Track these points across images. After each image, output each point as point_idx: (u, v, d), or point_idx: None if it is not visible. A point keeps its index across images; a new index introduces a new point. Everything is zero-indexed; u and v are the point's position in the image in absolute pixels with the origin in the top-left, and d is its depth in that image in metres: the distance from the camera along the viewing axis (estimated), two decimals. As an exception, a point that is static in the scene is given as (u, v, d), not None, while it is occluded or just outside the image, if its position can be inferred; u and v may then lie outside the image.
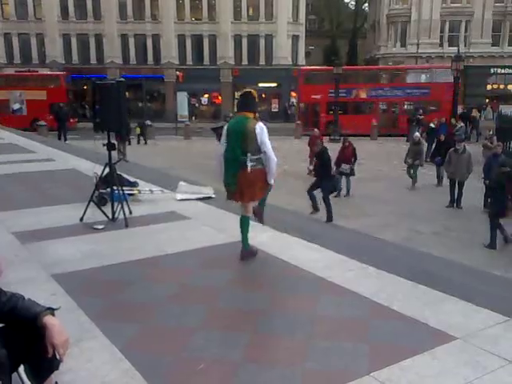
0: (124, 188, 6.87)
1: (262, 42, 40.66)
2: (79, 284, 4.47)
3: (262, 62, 40.55)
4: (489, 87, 40.62)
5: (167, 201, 7.74)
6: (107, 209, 6.56)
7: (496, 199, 8.97)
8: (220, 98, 40.88)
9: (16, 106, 32.37)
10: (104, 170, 6.66)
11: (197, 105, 40.60)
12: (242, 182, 4.86)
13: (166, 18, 39.92)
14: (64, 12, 40.20)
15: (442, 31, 40.29)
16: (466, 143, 12.85)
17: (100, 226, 6.23)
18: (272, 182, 5.06)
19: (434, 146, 16.24)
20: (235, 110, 5.72)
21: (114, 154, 7.14)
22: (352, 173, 12.86)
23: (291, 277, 4.67)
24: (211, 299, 4.17)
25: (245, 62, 40.61)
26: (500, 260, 8.02)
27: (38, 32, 40.26)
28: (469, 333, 3.51)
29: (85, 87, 35.89)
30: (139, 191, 7.95)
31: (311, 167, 10.63)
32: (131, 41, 40.55)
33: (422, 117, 25.45)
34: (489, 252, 8.53)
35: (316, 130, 16.47)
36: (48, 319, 2.34)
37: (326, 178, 10.12)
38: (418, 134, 15.39)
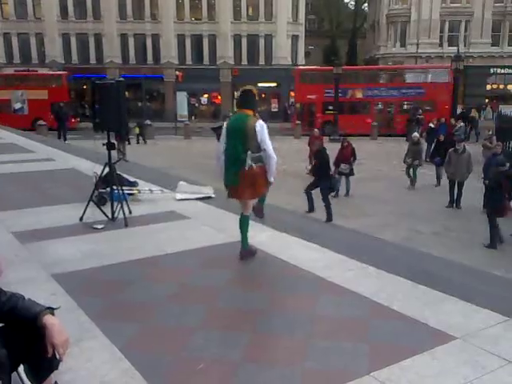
0: (124, 188, 6.87)
1: (262, 41, 40.67)
2: (79, 284, 4.47)
3: (262, 61, 40.56)
4: (488, 87, 40.65)
5: (167, 200, 7.74)
6: (107, 208, 6.56)
7: (493, 198, 8.98)
8: (219, 97, 40.90)
9: (17, 106, 32.33)
10: (104, 169, 6.65)
11: (196, 104, 40.61)
12: (243, 180, 4.86)
13: (166, 18, 39.92)
14: (63, 11, 40.19)
15: (441, 31, 40.33)
16: (466, 143, 12.85)
17: (100, 226, 6.23)
18: (272, 179, 5.07)
19: (433, 146, 16.26)
20: (235, 107, 5.71)
21: (114, 153, 7.13)
22: (351, 173, 12.87)
23: (291, 276, 4.66)
24: (211, 299, 4.17)
25: (244, 61, 40.62)
26: (500, 260, 8.02)
27: (37, 32, 40.26)
28: (468, 333, 3.51)
29: (84, 87, 35.87)
30: (139, 191, 7.95)
31: (309, 167, 10.62)
32: (131, 40, 40.55)
33: (422, 116, 25.49)
34: (489, 252, 8.54)
35: (316, 129, 16.49)
36: (48, 319, 2.34)
37: (324, 177, 10.12)
38: (416, 133, 15.40)
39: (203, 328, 3.64)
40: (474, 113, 29.43)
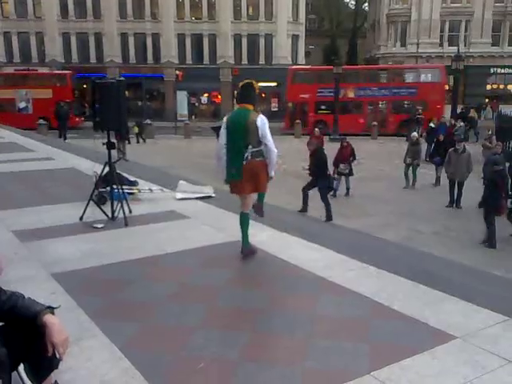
0: (124, 187, 6.87)
1: (262, 41, 40.66)
2: (79, 283, 4.47)
3: (262, 61, 40.54)
4: (489, 87, 40.65)
5: (167, 200, 7.73)
6: (107, 208, 6.56)
7: (490, 197, 8.99)
8: (220, 97, 40.86)
9: (22, 105, 32.31)
10: (104, 168, 6.65)
11: (196, 104, 40.57)
12: (245, 174, 4.86)
13: (166, 17, 39.90)
14: (64, 11, 40.16)
15: (441, 31, 40.31)
16: (465, 143, 12.85)
17: (100, 225, 6.23)
18: (272, 173, 5.08)
19: (433, 145, 16.25)
20: (235, 103, 5.71)
21: (114, 152, 7.13)
22: (350, 173, 12.87)
23: (291, 276, 4.66)
24: (211, 298, 4.16)
25: (244, 61, 40.60)
26: (500, 260, 8.01)
27: (37, 31, 40.22)
28: (468, 332, 3.51)
29: (84, 86, 35.85)
30: (139, 190, 7.95)
31: (306, 166, 10.61)
32: (131, 40, 40.52)
33: (422, 116, 25.47)
34: (489, 252, 8.53)
35: (316, 129, 16.45)
36: (48, 318, 2.34)
37: (322, 177, 10.11)
38: (415, 133, 15.35)
39: (203, 327, 3.64)
40: (472, 113, 29.43)
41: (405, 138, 22.26)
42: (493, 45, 39.75)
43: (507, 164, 11.31)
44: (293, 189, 11.32)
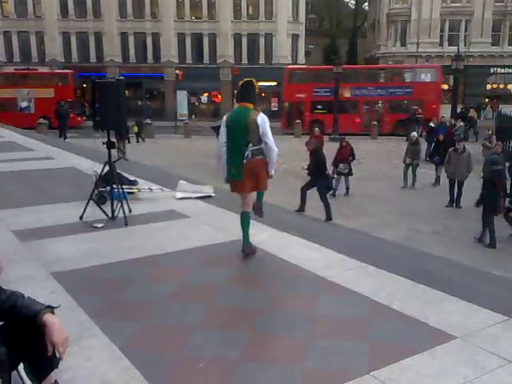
0: (124, 186, 6.87)
1: (262, 40, 40.63)
2: (79, 282, 4.47)
3: (262, 60, 40.53)
4: (489, 87, 40.64)
5: (167, 199, 7.73)
6: (107, 207, 6.56)
7: (488, 197, 9.00)
8: (220, 96, 40.83)
9: (24, 104, 32.29)
10: (104, 168, 6.65)
11: (196, 103, 40.56)
12: (245, 173, 4.86)
13: (166, 17, 39.87)
14: (64, 10, 40.13)
15: (441, 30, 40.29)
16: (465, 143, 12.85)
17: (100, 225, 6.23)
18: (273, 172, 5.08)
19: (433, 145, 16.25)
20: (235, 102, 5.71)
21: (114, 152, 7.13)
22: (350, 172, 12.87)
23: (291, 276, 4.66)
24: (211, 298, 4.16)
25: (245, 60, 40.58)
26: (500, 260, 8.02)
27: (37, 30, 40.18)
28: (468, 332, 3.51)
29: (84, 85, 35.85)
30: (139, 190, 7.95)
31: (305, 166, 10.60)
32: (131, 39, 40.50)
33: (422, 116, 25.47)
34: (489, 252, 8.53)
35: (317, 129, 16.45)
36: (48, 317, 2.34)
37: (321, 177, 10.11)
38: (415, 133, 15.33)
39: (203, 327, 3.64)
40: (472, 113, 29.45)
41: (399, 138, 22.38)
42: (493, 44, 39.74)
43: (507, 164, 11.32)
44: (292, 188, 11.31)
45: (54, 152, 13.79)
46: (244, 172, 4.87)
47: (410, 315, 3.78)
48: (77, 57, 40.67)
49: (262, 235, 5.72)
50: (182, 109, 34.81)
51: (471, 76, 37.33)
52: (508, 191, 9.90)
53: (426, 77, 29.38)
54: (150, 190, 8.05)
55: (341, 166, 12.70)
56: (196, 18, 40.70)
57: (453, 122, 19.75)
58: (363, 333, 3.54)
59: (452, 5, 39.79)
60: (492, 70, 40.00)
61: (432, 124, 20.03)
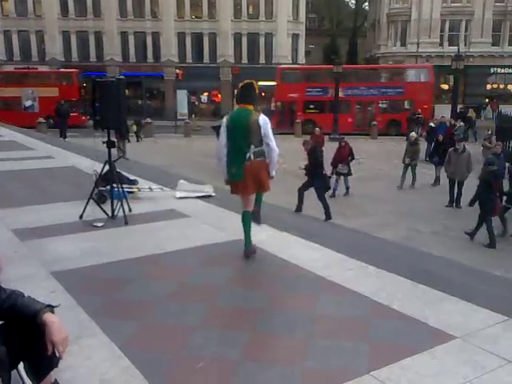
0: (124, 186, 6.86)
1: (262, 40, 40.65)
2: (79, 281, 4.47)
3: (262, 60, 40.53)
4: (489, 87, 40.64)
5: (167, 199, 7.73)
6: (107, 206, 6.56)
7: (486, 199, 9.00)
8: (220, 96, 40.84)
9: (28, 103, 32.25)
10: (104, 167, 6.65)
11: (196, 103, 40.57)
12: (247, 174, 4.86)
13: (166, 16, 39.87)
14: (64, 9, 40.15)
15: (442, 30, 40.28)
16: (465, 143, 12.84)
17: (99, 224, 6.22)
18: (273, 173, 5.07)
19: (433, 145, 16.25)
20: (235, 103, 5.69)
21: (114, 151, 7.13)
22: (349, 173, 12.87)
23: (291, 276, 4.66)
24: (210, 297, 4.16)
25: (245, 60, 40.59)
26: (500, 260, 8.02)
27: (37, 29, 40.20)
28: (468, 332, 3.51)
29: (84, 84, 35.83)
30: (139, 189, 7.95)
31: (303, 166, 10.60)
32: (131, 38, 40.50)
33: (422, 116, 25.46)
34: (489, 252, 8.53)
35: (317, 129, 16.45)
36: (48, 316, 2.33)
37: (318, 176, 10.11)
38: (414, 133, 15.33)
39: (203, 327, 3.64)
40: (471, 113, 29.46)
41: (392, 138, 22.37)
42: (493, 44, 39.73)
43: (507, 164, 11.31)
44: (292, 188, 11.30)
45: (54, 151, 13.79)
46: (246, 174, 4.86)
47: (410, 315, 3.78)
48: (77, 56, 40.67)
49: (262, 235, 5.70)
50: (182, 108, 34.85)
51: (471, 76, 37.33)
52: (508, 191, 9.89)
53: (418, 77, 29.48)
54: (150, 189, 8.05)
55: (340, 166, 12.70)
56: (196, 18, 40.71)
57: (453, 122, 19.74)
58: (363, 333, 3.53)
59: (452, 5, 39.78)
60: (492, 70, 40.00)
61: (432, 124, 20.02)
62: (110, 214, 6.46)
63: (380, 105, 29.50)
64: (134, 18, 40.35)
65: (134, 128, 24.14)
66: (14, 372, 2.43)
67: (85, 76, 34.33)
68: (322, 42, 51.37)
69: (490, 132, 18.32)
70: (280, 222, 6.38)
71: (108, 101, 6.32)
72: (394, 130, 27.51)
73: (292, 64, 38.25)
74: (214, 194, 7.92)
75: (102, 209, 6.53)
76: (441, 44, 40.17)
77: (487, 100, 38.95)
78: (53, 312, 2.39)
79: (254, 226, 5.29)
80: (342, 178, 12.84)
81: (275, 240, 5.71)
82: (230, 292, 4.33)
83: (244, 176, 4.86)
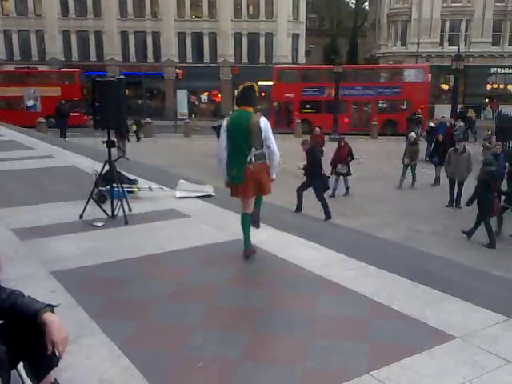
0: (124, 185, 6.86)
1: (262, 40, 40.65)
2: (78, 281, 4.47)
3: (262, 60, 40.52)
4: (489, 87, 40.64)
5: (167, 198, 7.73)
6: (107, 206, 6.56)
7: (484, 199, 9.00)
8: (220, 95, 40.84)
9: (30, 103, 32.21)
10: (104, 167, 6.65)
11: (196, 103, 40.58)
12: (248, 177, 4.85)
13: (166, 16, 39.87)
14: (64, 9, 40.15)
15: (442, 30, 40.28)
16: (465, 143, 12.84)
17: (99, 224, 6.22)
18: (274, 176, 5.07)
19: (433, 145, 16.24)
20: (235, 104, 5.69)
21: (114, 151, 7.13)
22: (349, 173, 12.87)
23: (291, 275, 4.66)
24: (210, 297, 4.16)
25: (245, 60, 40.59)
26: (500, 260, 8.02)
27: (37, 29, 40.20)
28: (468, 332, 3.51)
29: (87, 84, 35.80)
30: (139, 189, 7.94)
31: (301, 166, 10.61)
32: (131, 38, 40.50)
33: (422, 116, 25.45)
34: (488, 252, 8.53)
35: (317, 128, 16.44)
36: (47, 316, 2.33)
37: (316, 176, 10.11)
38: (413, 134, 15.32)
39: (203, 327, 3.64)
40: (470, 113, 29.47)
41: (388, 137, 22.35)
42: (493, 44, 39.73)
43: (507, 164, 11.30)
44: (292, 188, 11.30)
45: (54, 151, 13.78)
46: (247, 177, 4.85)
47: (410, 315, 3.78)
48: (77, 55, 40.67)
49: (262, 235, 5.70)
50: (182, 108, 34.85)
51: (471, 76, 37.33)
52: (508, 191, 9.89)
53: (414, 77, 29.47)
54: (150, 188, 8.05)
55: (339, 166, 12.70)
56: (196, 17, 40.71)
57: (453, 122, 19.74)
58: (363, 333, 3.54)
59: (452, 5, 39.77)
60: (492, 70, 40.00)
61: (432, 124, 20.02)
62: (109, 213, 6.46)
63: (376, 105, 29.48)
64: (134, 17, 40.36)
65: (134, 128, 24.14)
66: (13, 372, 2.43)
67: (85, 76, 34.34)
68: (323, 42, 51.37)
69: (489, 132, 18.31)
70: (280, 222, 6.38)
71: (108, 100, 6.32)
72: (390, 130, 27.57)
73: (292, 64, 38.24)
74: (213, 194, 7.91)
75: (101, 208, 6.53)
76: (441, 44, 40.17)
77: (487, 100, 38.97)
78: (53, 311, 2.39)
79: (253, 228, 5.30)
80: (341, 177, 12.84)
81: (275, 240, 5.71)
82: (230, 292, 4.33)
83: (245, 179, 4.86)
